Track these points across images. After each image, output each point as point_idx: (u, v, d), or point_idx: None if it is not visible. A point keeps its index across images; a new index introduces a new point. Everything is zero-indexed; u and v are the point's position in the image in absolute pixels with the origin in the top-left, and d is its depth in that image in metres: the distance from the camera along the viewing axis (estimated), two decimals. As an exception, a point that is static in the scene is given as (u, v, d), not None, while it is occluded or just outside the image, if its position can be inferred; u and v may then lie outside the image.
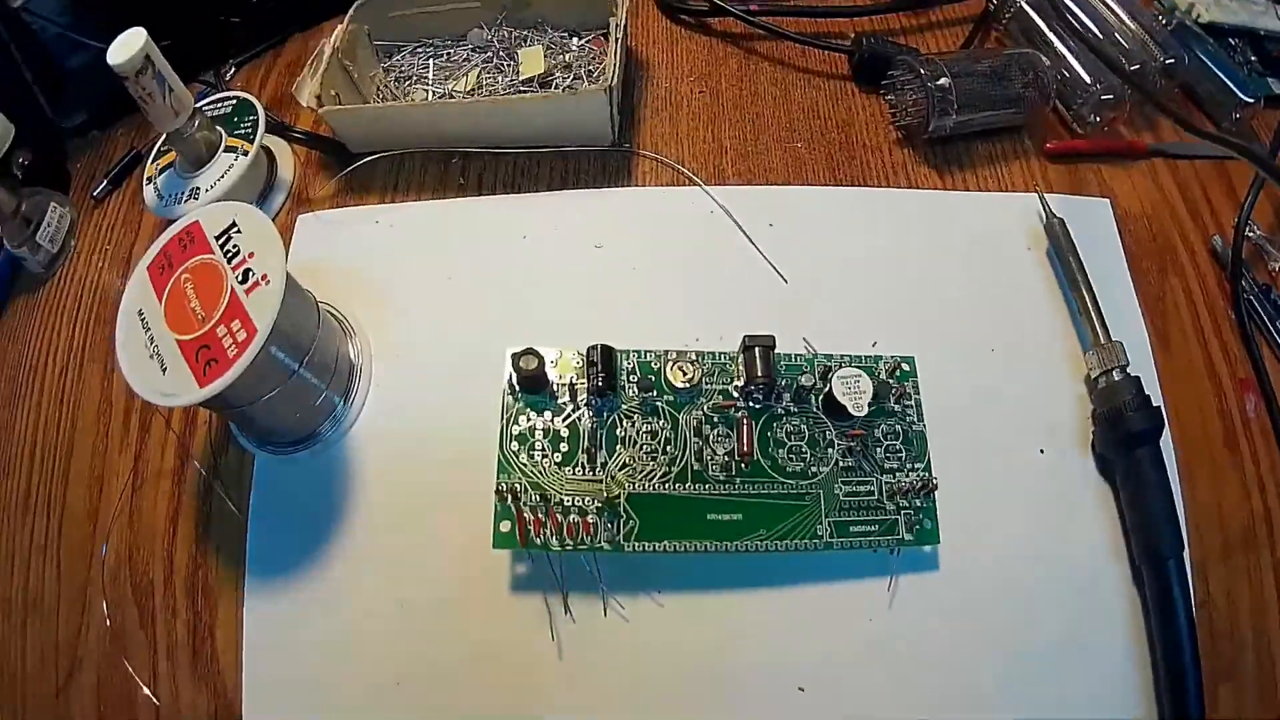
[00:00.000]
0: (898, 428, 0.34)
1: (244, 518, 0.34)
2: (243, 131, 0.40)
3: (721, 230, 0.39)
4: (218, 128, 0.41)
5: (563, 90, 0.43)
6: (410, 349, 0.37)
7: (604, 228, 0.39)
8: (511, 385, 0.33)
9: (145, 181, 0.41)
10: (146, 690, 0.32)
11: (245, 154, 0.39)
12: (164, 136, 0.39)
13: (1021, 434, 0.35)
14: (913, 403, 0.34)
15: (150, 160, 0.42)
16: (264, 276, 0.30)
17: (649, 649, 0.32)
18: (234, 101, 0.42)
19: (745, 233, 0.39)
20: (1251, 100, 0.44)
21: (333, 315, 0.37)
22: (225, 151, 0.40)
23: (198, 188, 0.39)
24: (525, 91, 0.43)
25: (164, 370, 0.29)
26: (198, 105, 0.40)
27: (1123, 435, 0.33)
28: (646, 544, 0.31)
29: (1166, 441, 0.34)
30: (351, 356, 0.37)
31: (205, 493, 0.35)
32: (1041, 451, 0.35)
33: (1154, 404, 0.33)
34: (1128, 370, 0.34)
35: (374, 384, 0.36)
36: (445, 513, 0.33)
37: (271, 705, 0.31)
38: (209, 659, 0.32)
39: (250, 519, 0.34)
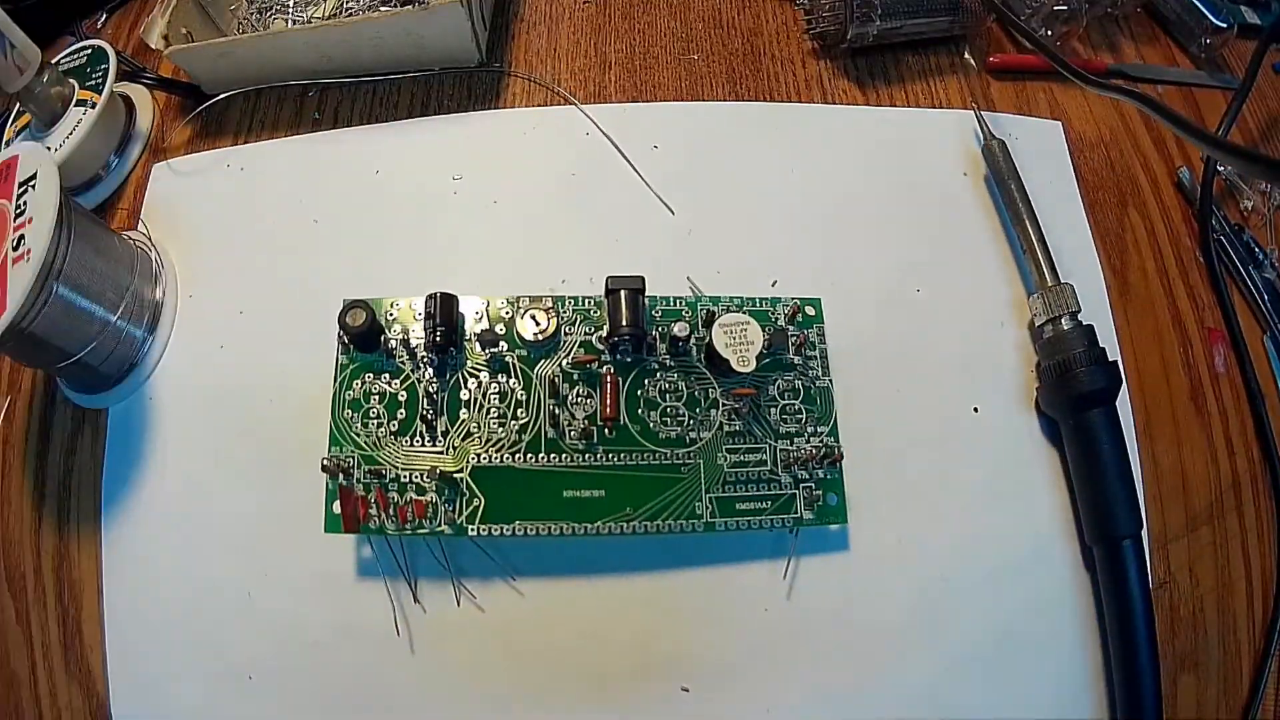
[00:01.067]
0: (798, 384, 0.28)
1: (97, 498, 0.31)
2: (93, 82, 0.37)
3: (599, 155, 0.34)
4: (70, 81, 0.37)
5: (416, 5, 0.37)
6: (256, 304, 0.33)
7: (464, 157, 0.35)
8: (344, 343, 0.28)
9: (4, 145, 0.38)
10: (26, 690, 0.30)
11: (94, 106, 0.36)
12: (15, 96, 0.36)
13: (952, 390, 0.31)
14: (816, 354, 0.29)
15: (10, 123, 0.38)
16: (28, 251, 0.27)
17: (509, 643, 0.28)
18: (89, 51, 0.38)
19: (626, 156, 0.34)
20: (1224, 25, 0.39)
21: (158, 263, 0.34)
22: (76, 105, 0.37)
23: (49, 148, 0.36)
24: (385, 10, 0.38)
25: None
26: (58, 59, 0.37)
27: (1072, 394, 0.29)
28: (492, 526, 0.26)
29: (1124, 400, 0.30)
30: (167, 308, 0.33)
31: (64, 475, 0.32)
32: (976, 410, 0.31)
33: (1109, 358, 0.29)
34: (1079, 317, 0.30)
35: (216, 346, 0.33)
36: (291, 489, 0.30)
37: (139, 705, 0.29)
38: (79, 656, 0.30)
39: (103, 498, 0.31)
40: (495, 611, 0.28)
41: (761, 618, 0.28)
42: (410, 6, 0.38)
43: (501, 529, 0.26)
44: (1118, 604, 0.27)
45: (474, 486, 0.27)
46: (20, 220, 0.28)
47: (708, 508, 0.26)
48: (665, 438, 0.27)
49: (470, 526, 0.26)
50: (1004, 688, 0.28)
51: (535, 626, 0.28)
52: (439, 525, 0.26)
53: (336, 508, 0.26)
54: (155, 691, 0.29)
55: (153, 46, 0.36)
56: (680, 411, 0.27)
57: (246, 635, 0.29)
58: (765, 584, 0.28)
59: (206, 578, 0.29)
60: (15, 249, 0.27)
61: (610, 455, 0.27)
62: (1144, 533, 0.28)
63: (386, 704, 0.28)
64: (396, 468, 0.27)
